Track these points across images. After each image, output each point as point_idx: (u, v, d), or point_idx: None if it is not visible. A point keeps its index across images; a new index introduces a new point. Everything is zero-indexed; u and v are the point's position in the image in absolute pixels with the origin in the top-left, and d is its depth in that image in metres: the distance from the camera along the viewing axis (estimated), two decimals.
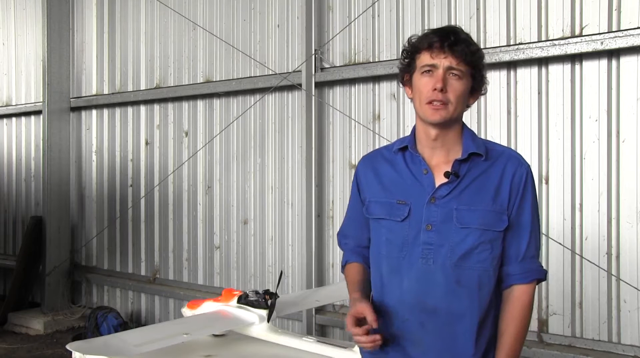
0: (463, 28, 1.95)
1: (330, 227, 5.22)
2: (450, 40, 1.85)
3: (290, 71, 5.35)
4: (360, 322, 1.85)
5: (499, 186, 1.90)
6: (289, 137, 5.50)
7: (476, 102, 2.03)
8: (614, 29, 3.89)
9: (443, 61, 1.85)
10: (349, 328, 1.85)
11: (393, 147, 2.05)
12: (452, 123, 1.92)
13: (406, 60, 1.97)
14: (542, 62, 4.19)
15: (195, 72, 6.17)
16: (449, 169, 1.90)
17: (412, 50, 1.94)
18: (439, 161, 1.94)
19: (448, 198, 1.89)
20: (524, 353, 4.06)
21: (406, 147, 1.99)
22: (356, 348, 2.78)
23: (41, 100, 7.25)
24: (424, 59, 1.88)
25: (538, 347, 4.09)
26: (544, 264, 3.81)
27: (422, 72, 1.89)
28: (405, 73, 1.99)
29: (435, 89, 1.85)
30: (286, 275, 5.43)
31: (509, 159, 1.94)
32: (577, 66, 4.07)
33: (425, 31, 1.94)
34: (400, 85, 2.03)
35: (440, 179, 1.91)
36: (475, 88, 1.94)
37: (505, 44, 4.30)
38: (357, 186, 2.12)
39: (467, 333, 1.88)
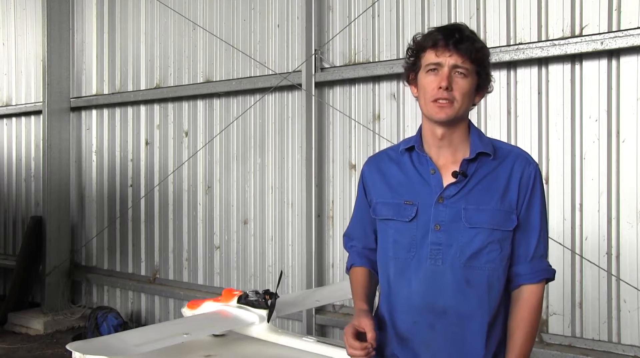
0: None
1: (330, 227, 5.22)
2: (455, 38, 1.84)
3: (290, 71, 5.35)
4: (359, 334, 1.85)
5: (507, 185, 1.88)
6: (289, 137, 5.50)
7: None
8: (614, 29, 3.89)
9: (448, 59, 1.84)
10: (347, 340, 1.84)
11: (399, 147, 2.03)
12: (458, 121, 1.91)
13: (411, 59, 1.96)
14: (542, 62, 4.19)
15: (195, 72, 6.17)
16: (456, 168, 1.89)
17: (417, 48, 1.92)
18: (447, 161, 1.93)
19: (456, 198, 1.87)
20: None
21: (412, 147, 1.98)
22: None
23: (41, 100, 7.26)
24: (429, 57, 1.87)
25: (538, 347, 4.08)
26: None
27: (427, 70, 1.88)
28: (410, 72, 1.97)
29: (440, 88, 1.84)
30: (286, 275, 5.43)
31: (517, 158, 1.93)
32: (577, 66, 4.07)
33: (430, 29, 1.92)
34: (405, 84, 2.02)
35: (448, 179, 1.89)
36: (481, 86, 1.93)
37: (505, 44, 4.30)
38: (363, 187, 2.10)
39: (477, 334, 1.87)
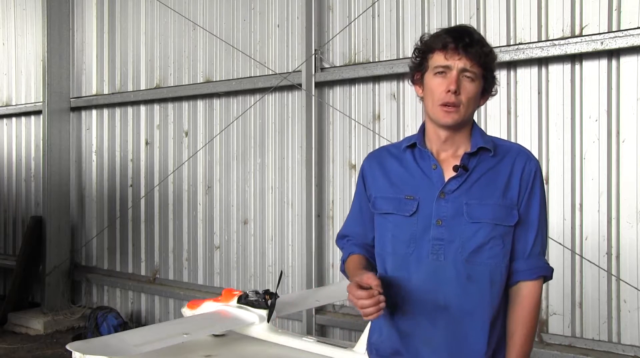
0: None
1: (330, 227, 5.22)
2: (465, 41, 1.83)
3: (290, 71, 5.35)
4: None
5: (508, 181, 1.88)
6: (289, 137, 5.50)
7: None
8: (614, 29, 3.89)
9: (457, 63, 1.83)
10: (351, 293, 1.74)
11: (401, 145, 2.03)
12: (463, 124, 1.91)
13: (418, 59, 1.94)
14: (542, 62, 4.19)
15: (195, 72, 6.17)
16: (458, 163, 1.88)
17: (425, 49, 1.91)
18: (448, 156, 1.92)
19: (458, 193, 1.86)
20: None
21: (414, 144, 1.97)
22: (356, 348, 2.78)
23: (41, 100, 7.26)
24: (438, 59, 1.86)
25: (538, 347, 4.08)
26: None
27: (435, 72, 1.87)
28: (416, 72, 1.96)
29: (449, 91, 1.83)
30: (286, 275, 5.43)
31: (518, 154, 1.92)
32: (577, 66, 4.07)
33: (438, 31, 1.91)
34: (410, 83, 2.01)
35: (449, 175, 1.89)
36: (487, 89, 1.93)
37: (505, 44, 4.30)
38: (362, 182, 2.08)
39: (479, 330, 1.85)
